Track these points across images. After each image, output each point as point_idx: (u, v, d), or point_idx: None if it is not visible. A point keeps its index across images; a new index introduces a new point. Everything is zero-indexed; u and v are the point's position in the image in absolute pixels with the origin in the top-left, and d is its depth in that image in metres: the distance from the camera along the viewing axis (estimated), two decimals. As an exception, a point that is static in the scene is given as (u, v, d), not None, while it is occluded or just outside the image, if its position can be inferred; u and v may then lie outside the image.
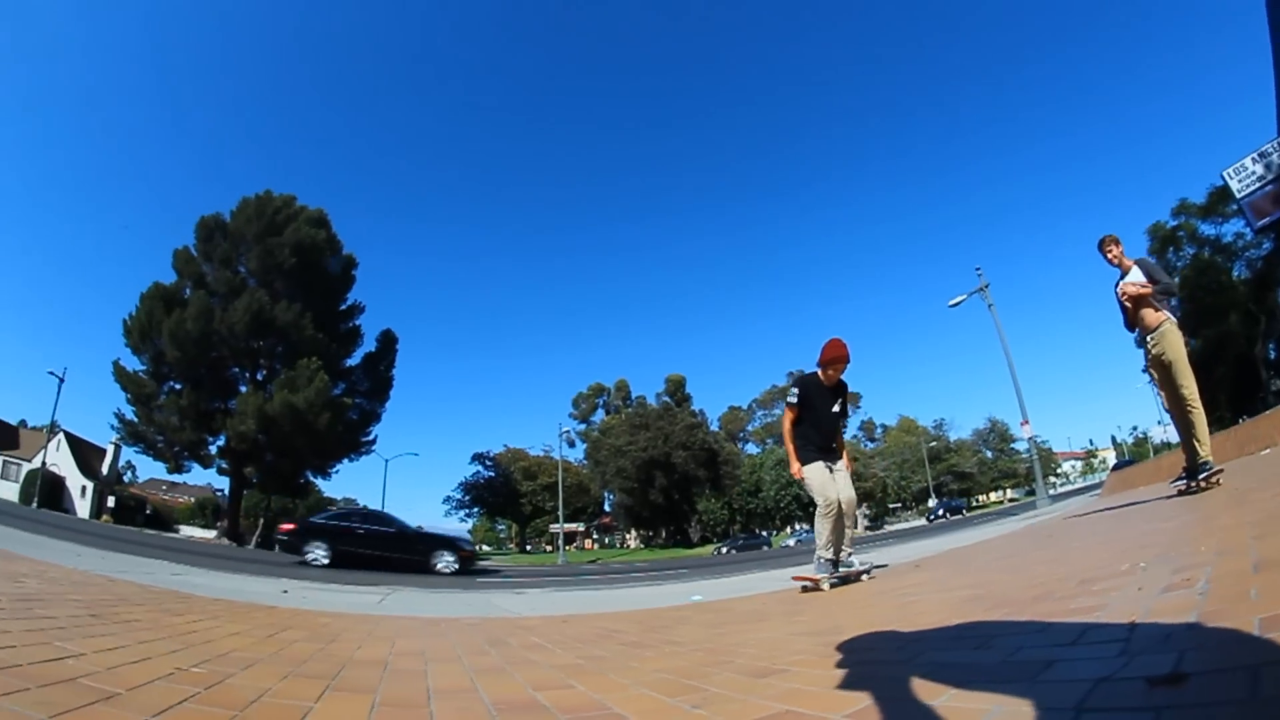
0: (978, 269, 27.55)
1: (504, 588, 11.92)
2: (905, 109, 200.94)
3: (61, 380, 50.25)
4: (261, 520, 51.21)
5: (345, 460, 48.26)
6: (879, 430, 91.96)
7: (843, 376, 5.87)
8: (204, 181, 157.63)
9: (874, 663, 2.26)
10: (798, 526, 68.63)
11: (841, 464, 5.82)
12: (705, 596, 6.50)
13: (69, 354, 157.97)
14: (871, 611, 3.81)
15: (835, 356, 5.67)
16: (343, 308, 48.94)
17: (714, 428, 77.81)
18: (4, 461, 56.39)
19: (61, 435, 54.91)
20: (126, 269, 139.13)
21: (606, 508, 78.75)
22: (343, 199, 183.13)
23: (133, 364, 44.58)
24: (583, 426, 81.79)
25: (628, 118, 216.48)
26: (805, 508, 64.99)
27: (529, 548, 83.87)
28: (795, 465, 5.77)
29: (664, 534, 68.37)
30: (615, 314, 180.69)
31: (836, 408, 5.81)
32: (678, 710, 1.86)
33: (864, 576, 5.71)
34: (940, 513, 54.60)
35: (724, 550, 43.78)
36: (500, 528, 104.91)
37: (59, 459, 54.34)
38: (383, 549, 17.95)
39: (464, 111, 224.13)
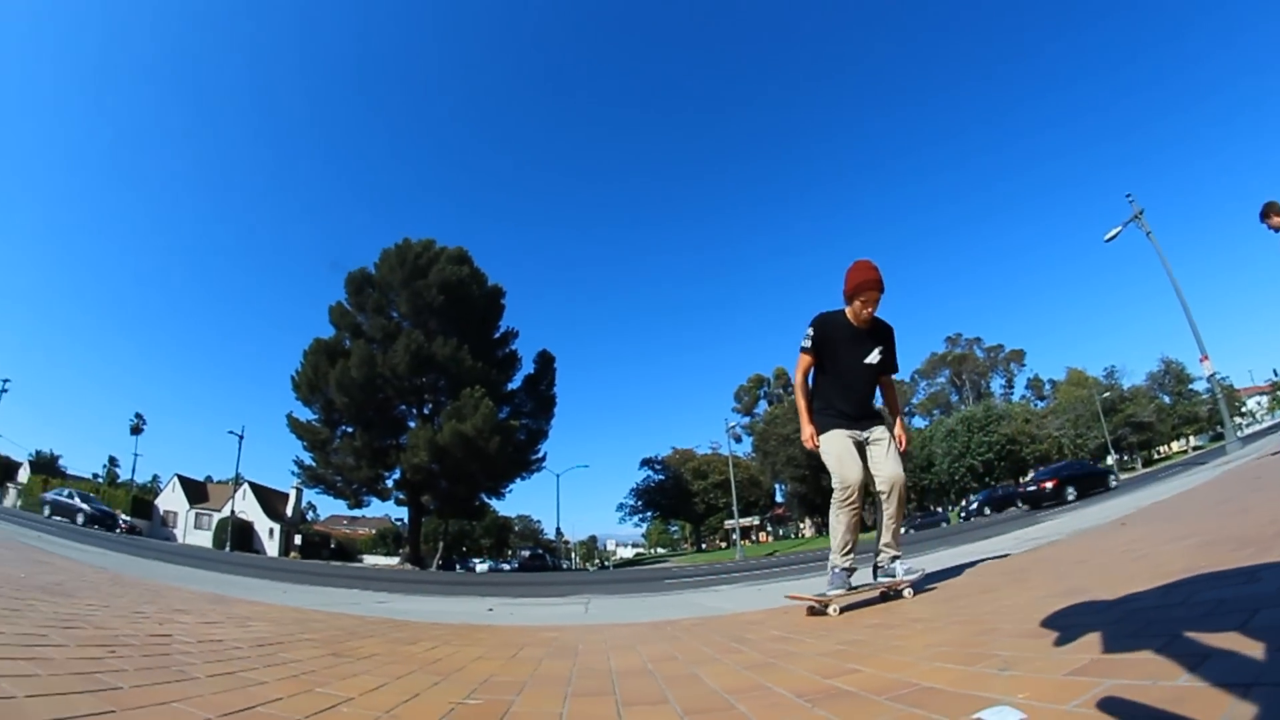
0: (1128, 196, 25.98)
1: (694, 587, 11.74)
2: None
3: (241, 437, 55.30)
4: (441, 544, 55.17)
5: (517, 480, 52.21)
6: (1048, 387, 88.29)
7: (881, 317, 4.44)
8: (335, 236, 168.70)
9: (1153, 608, 2.25)
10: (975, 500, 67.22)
11: (881, 432, 4.44)
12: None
13: (241, 413, 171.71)
14: (1107, 570, 3.77)
15: (863, 281, 4.15)
16: (496, 335, 52.73)
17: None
18: (197, 514, 62.93)
19: (246, 485, 60.51)
20: (272, 332, 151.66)
21: (778, 499, 79.24)
22: (484, 230, 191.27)
23: (304, 414, 50.24)
24: (747, 420, 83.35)
25: (752, 97, 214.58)
26: (981, 479, 64.16)
27: (704, 546, 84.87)
28: (806, 430, 4.40)
29: None
30: (764, 300, 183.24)
31: (873, 358, 4.35)
32: (986, 675, 1.87)
33: (907, 592, 4.28)
34: (975, 507, 46.17)
35: (902, 531, 43.27)
36: (674, 529, 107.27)
37: (246, 506, 59.88)
38: None
39: (590, 113, 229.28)
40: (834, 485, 4.27)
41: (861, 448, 4.36)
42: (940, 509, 65.82)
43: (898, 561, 4.47)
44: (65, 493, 37.30)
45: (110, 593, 4.29)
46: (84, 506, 34.21)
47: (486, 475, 47.53)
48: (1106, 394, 69.01)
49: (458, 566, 55.07)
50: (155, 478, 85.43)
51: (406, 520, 54.38)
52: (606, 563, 69.60)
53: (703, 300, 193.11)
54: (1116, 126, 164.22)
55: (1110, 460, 64.85)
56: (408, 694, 2.07)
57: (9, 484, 69.30)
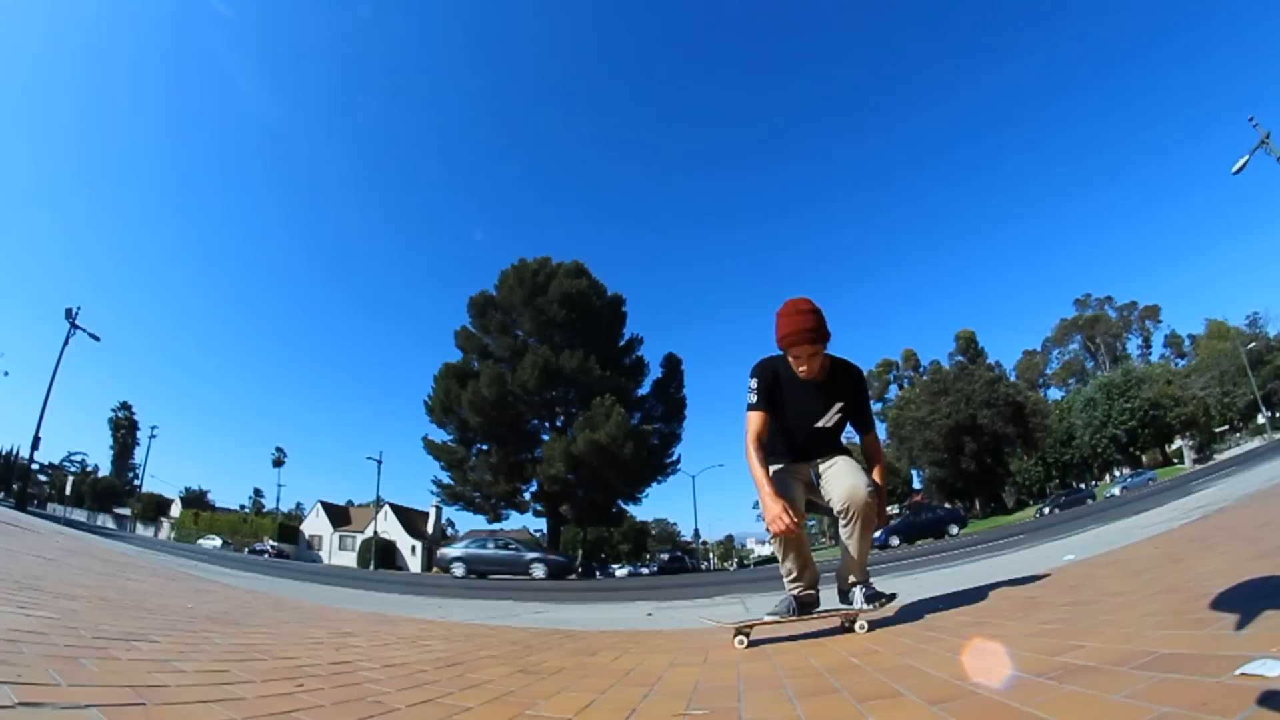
0: (1251, 119, 25.02)
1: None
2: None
3: (379, 462, 58.15)
4: (580, 551, 56.56)
5: (653, 484, 53.08)
6: (1187, 343, 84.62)
7: (845, 360, 3.56)
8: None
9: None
10: (1120, 473, 63.40)
11: (841, 456, 3.53)
12: (1078, 555, 5.74)
13: (379, 439, 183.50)
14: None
15: (789, 333, 3.23)
16: (621, 344, 53.95)
17: (1011, 378, 73.84)
18: (340, 536, 66.66)
19: (387, 506, 63.78)
20: (401, 359, 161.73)
21: (916, 484, 77.49)
22: (596, 240, 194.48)
23: (439, 436, 52.61)
24: (879, 406, 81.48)
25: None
26: (1125, 449, 61.56)
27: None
28: (773, 508, 3.08)
29: (977, 503, 65.02)
30: (886, 282, 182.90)
31: (829, 420, 3.46)
32: (1223, 636, 1.85)
33: (860, 625, 3.30)
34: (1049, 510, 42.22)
35: (1046, 511, 41.34)
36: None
37: (388, 526, 63.05)
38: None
39: (683, 105, 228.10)
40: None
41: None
42: (1084, 486, 63.49)
43: (857, 588, 3.53)
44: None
45: (276, 618, 4.26)
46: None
47: (622, 482, 48.64)
48: (1252, 344, 62.96)
49: (597, 573, 56.20)
50: (299, 505, 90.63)
51: (545, 530, 55.99)
52: (746, 561, 69.56)
53: (822, 287, 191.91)
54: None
55: (1262, 419, 60.28)
56: (624, 708, 1.93)
57: (163, 519, 74.90)
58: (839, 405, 3.41)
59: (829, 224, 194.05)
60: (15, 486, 42.85)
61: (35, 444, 32.74)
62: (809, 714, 1.69)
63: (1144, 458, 65.07)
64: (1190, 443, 59.36)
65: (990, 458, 57.10)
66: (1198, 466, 48.15)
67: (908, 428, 60.57)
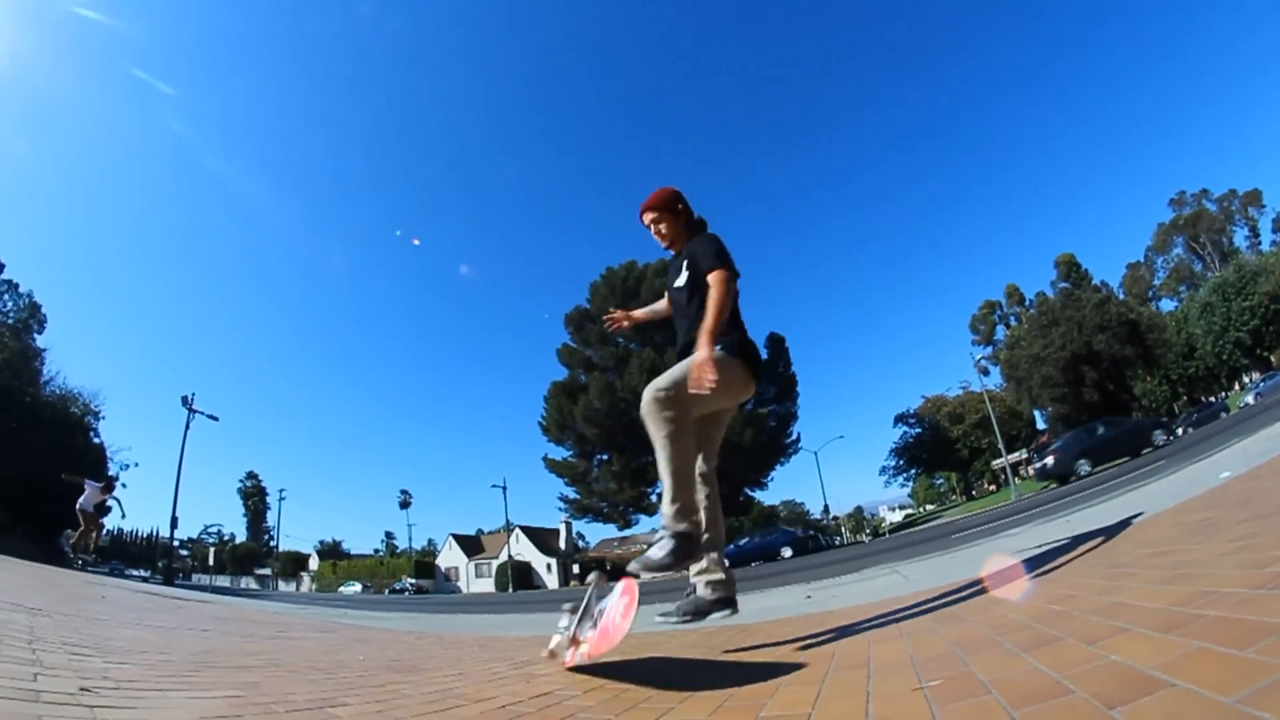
0: None
1: (988, 535, 11.42)
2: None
3: (504, 488, 59.84)
4: (713, 544, 57.16)
5: (776, 466, 53.42)
6: None
7: (695, 233, 3.64)
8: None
9: None
10: (1251, 379, 59.78)
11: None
12: (1234, 471, 5.40)
13: (499, 466, 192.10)
14: None
15: (643, 209, 3.65)
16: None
17: (1120, 296, 70.52)
18: (476, 564, 68.84)
19: (517, 529, 65.27)
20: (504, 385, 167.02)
21: (1040, 425, 74.08)
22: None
23: (558, 453, 54.14)
24: (989, 349, 78.70)
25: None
26: (1251, 352, 57.91)
27: (974, 493, 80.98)
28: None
29: None
30: (983, 219, 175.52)
31: (680, 279, 3.53)
32: None
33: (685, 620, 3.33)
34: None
35: (1179, 431, 39.47)
36: (939, 482, 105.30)
37: (520, 548, 64.65)
38: None
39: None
40: None
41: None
42: (1214, 399, 60.30)
43: (704, 576, 3.33)
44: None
45: (449, 656, 4.08)
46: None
47: (746, 469, 48.79)
48: None
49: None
50: (430, 541, 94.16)
51: (676, 529, 56.19)
52: (881, 530, 68.86)
53: (916, 241, 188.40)
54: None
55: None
56: (856, 691, 1.79)
57: (302, 573, 78.89)
58: (685, 264, 3.45)
59: (911, 172, 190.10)
60: (160, 564, 46.16)
61: (174, 523, 35.43)
62: (1045, 663, 1.58)
63: (1273, 358, 61.19)
64: None
65: (1113, 384, 53.77)
66: None
67: (1023, 367, 57.79)
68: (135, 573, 44.21)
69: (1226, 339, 57.45)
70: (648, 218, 3.58)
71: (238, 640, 3.84)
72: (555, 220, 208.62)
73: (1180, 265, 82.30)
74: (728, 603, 3.19)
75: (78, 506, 15.82)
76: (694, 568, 3.20)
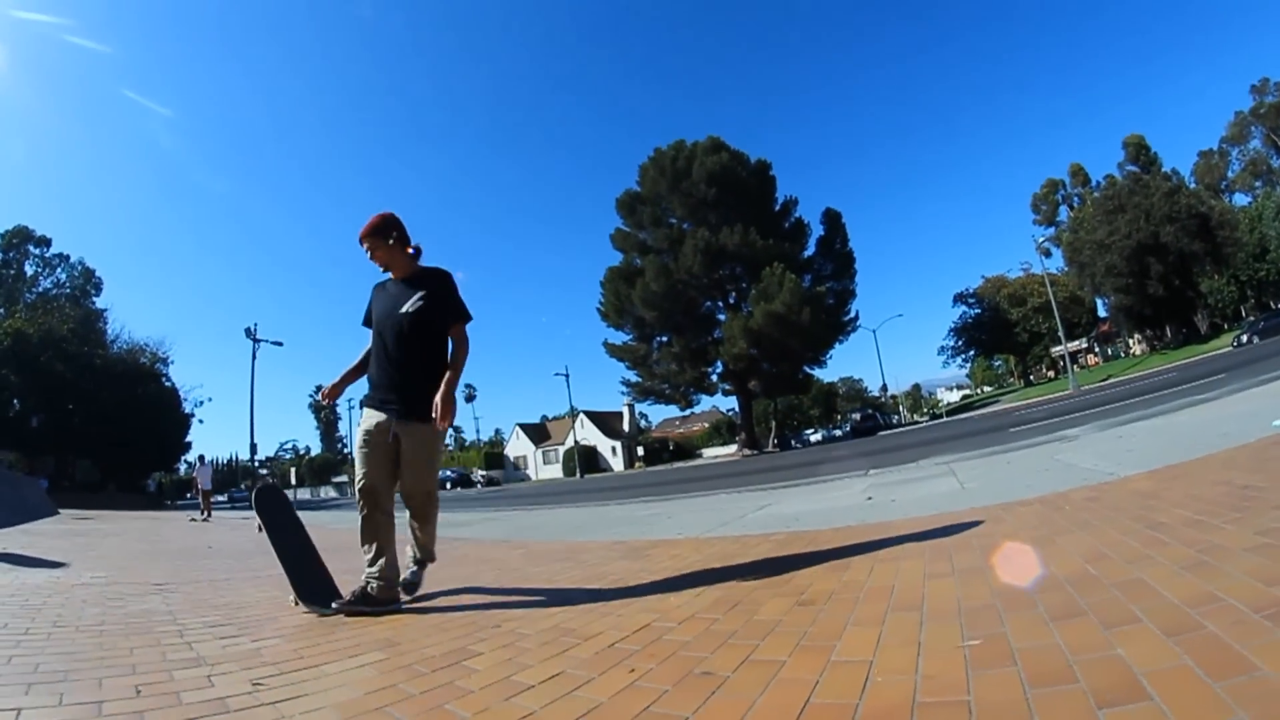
0: None
1: (1044, 433, 11.56)
2: None
3: (568, 376, 61.79)
4: (773, 423, 58.38)
5: (835, 345, 52.89)
6: None
7: (430, 267, 3.84)
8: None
9: None
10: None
11: (416, 429, 3.52)
12: None
13: (562, 354, 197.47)
14: None
15: (360, 237, 3.74)
16: (776, 209, 53.03)
17: (1191, 185, 66.30)
18: (543, 452, 71.71)
19: (582, 415, 67.53)
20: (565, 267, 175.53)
21: (1101, 313, 73.24)
22: (725, 111, 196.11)
23: (618, 338, 54.83)
24: (1051, 230, 75.61)
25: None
26: None
27: (1031, 378, 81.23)
28: (336, 380, 3.93)
29: (1169, 331, 60.65)
30: (1045, 92, 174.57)
31: (411, 305, 3.61)
32: None
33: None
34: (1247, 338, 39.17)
35: (1245, 339, 38.13)
36: (997, 364, 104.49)
37: (586, 433, 66.96)
38: None
39: None
40: (355, 484, 3.62)
41: (396, 442, 3.53)
42: None
43: (417, 567, 3.86)
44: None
45: (542, 574, 4.22)
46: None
47: (805, 348, 48.45)
48: None
49: (793, 442, 57.77)
50: (497, 431, 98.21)
51: (737, 408, 57.51)
52: (939, 412, 68.89)
53: (979, 115, 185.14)
54: None
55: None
56: (910, 641, 1.95)
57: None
58: (422, 294, 3.60)
59: (971, 25, 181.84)
60: (243, 486, 49.76)
61: (253, 449, 38.12)
62: (1065, 641, 1.72)
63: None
64: None
65: (1179, 279, 51.42)
66: None
67: (1086, 252, 55.22)
68: (222, 499, 48.24)
69: None
70: (363, 245, 3.67)
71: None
72: (602, 109, 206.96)
73: (1257, 158, 75.95)
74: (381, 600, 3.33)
75: (200, 487, 20.06)
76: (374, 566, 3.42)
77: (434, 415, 3.35)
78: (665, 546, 4.79)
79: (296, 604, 3.35)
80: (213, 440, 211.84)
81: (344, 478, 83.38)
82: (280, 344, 38.36)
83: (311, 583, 3.48)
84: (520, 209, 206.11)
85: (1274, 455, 3.96)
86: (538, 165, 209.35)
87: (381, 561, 3.38)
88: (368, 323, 3.77)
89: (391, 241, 3.66)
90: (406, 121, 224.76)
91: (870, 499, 5.87)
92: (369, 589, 3.30)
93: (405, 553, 3.82)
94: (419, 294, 3.60)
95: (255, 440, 37.40)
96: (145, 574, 5.30)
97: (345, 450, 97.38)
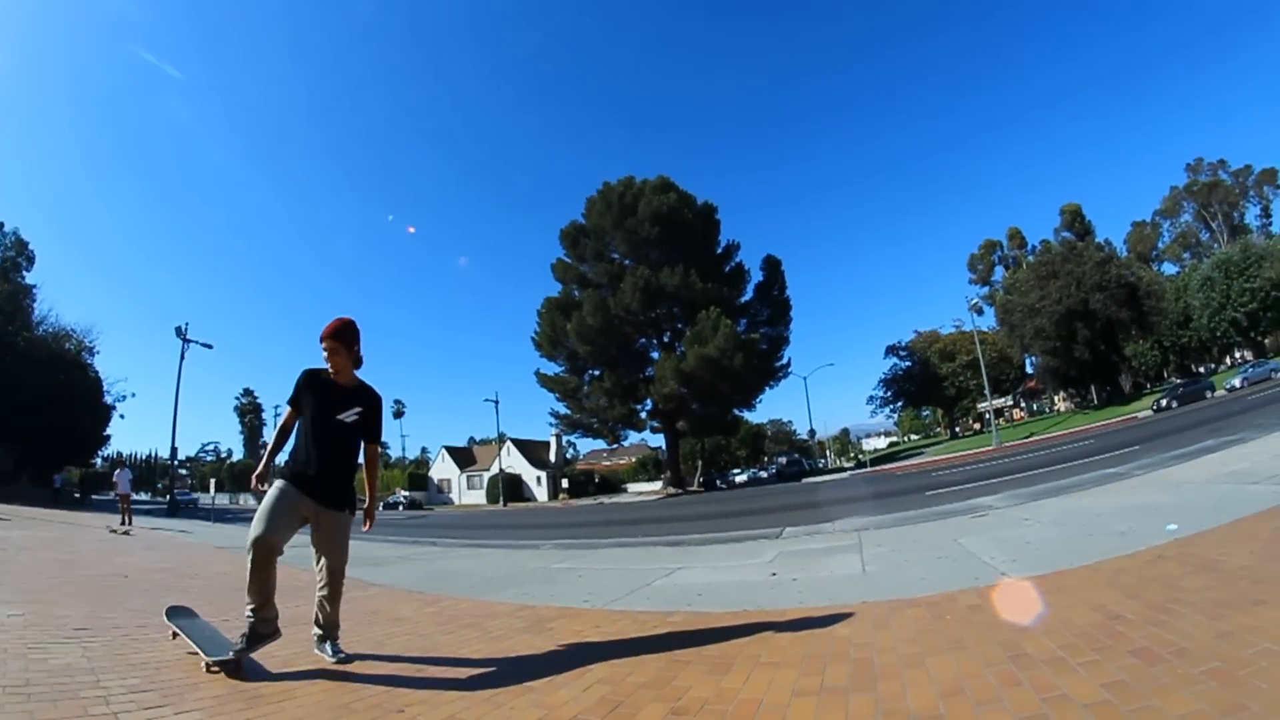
0: None
1: (960, 498, 11.97)
2: None
3: (496, 402, 61.45)
4: (699, 462, 59.00)
5: (766, 389, 54.03)
6: None
7: (368, 384, 4.20)
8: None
9: None
10: (1241, 358, 61.62)
11: (343, 518, 4.04)
12: (1181, 527, 5.42)
13: (493, 380, 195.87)
14: None
15: (325, 331, 4.02)
16: (719, 252, 54.22)
17: (1122, 253, 71.09)
18: (468, 476, 70.87)
19: (509, 442, 67.06)
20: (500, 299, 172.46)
21: (1029, 370, 76.06)
22: (679, 153, 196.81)
23: (550, 368, 54.95)
24: (985, 289, 79.57)
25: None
26: (1246, 333, 58.35)
27: (958, 430, 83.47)
28: (260, 465, 4.29)
29: (1093, 391, 63.79)
30: (986, 156, 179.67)
31: (350, 416, 4.02)
32: None
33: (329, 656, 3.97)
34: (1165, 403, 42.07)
35: (1164, 403, 41.18)
36: (926, 413, 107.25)
37: (512, 461, 66.58)
38: None
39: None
40: (251, 536, 3.71)
41: (313, 519, 3.92)
42: (1203, 371, 60.83)
43: (327, 643, 4.01)
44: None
45: (456, 641, 4.47)
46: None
47: (735, 391, 49.40)
48: None
49: (718, 482, 58.52)
50: (424, 450, 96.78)
51: (664, 445, 58.13)
52: (863, 457, 70.55)
53: (919, 173, 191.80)
54: None
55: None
56: None
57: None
58: (359, 410, 4.03)
59: (925, 103, 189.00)
60: (160, 485, 47.72)
61: (173, 453, 37.31)
62: None
63: (1267, 341, 61.38)
64: None
65: (1104, 344, 54.56)
66: None
67: (1017, 314, 57.91)
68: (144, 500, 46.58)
69: (1223, 316, 57.82)
70: (326, 345, 3.96)
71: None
72: (551, 135, 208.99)
73: (1187, 232, 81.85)
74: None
75: (119, 492, 19.20)
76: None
77: (358, 512, 4.16)
78: (569, 619, 5.02)
79: (209, 669, 3.52)
80: (133, 436, 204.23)
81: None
82: (210, 346, 37.63)
83: (204, 632, 3.87)
84: (462, 225, 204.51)
85: (1155, 575, 4.11)
86: (485, 185, 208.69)
87: (266, 607, 3.68)
88: (296, 404, 4.00)
89: (353, 349, 4.06)
90: (354, 124, 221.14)
91: (774, 575, 6.14)
92: (259, 631, 3.65)
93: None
94: (357, 409, 4.02)
95: (177, 444, 36.27)
96: (64, 611, 5.30)
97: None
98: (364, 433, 4.11)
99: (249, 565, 3.63)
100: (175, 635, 3.94)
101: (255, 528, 3.67)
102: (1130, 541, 5.15)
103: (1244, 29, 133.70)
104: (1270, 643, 2.62)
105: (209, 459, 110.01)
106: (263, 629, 3.66)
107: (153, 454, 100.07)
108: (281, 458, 4.20)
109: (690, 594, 5.60)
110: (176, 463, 41.76)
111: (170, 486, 39.61)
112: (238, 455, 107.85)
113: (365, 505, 4.29)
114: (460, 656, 3.99)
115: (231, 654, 3.52)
